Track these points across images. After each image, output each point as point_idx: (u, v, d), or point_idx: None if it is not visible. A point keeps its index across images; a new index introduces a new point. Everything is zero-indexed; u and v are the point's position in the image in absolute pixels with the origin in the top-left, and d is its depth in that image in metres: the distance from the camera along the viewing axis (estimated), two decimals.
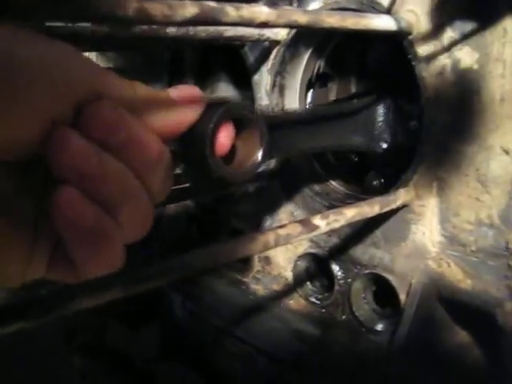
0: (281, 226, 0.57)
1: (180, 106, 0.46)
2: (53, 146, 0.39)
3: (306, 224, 0.59)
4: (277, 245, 0.56)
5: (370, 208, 0.67)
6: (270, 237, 0.55)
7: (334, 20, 0.57)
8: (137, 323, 1.20)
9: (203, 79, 1.14)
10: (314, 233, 0.60)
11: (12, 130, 0.37)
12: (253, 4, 0.52)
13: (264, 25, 0.52)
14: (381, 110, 0.84)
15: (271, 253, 0.93)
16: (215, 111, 0.48)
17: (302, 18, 0.54)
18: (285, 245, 0.57)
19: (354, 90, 0.93)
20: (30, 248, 0.43)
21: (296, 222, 0.58)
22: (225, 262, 0.52)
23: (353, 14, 0.61)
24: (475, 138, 0.65)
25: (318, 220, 0.60)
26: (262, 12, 0.51)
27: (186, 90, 0.47)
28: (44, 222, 0.43)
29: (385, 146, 0.83)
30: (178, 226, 1.12)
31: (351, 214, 0.64)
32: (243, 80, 1.06)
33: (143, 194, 0.44)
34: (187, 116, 0.46)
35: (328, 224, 0.61)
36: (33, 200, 0.43)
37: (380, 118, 0.83)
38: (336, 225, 0.62)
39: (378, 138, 0.83)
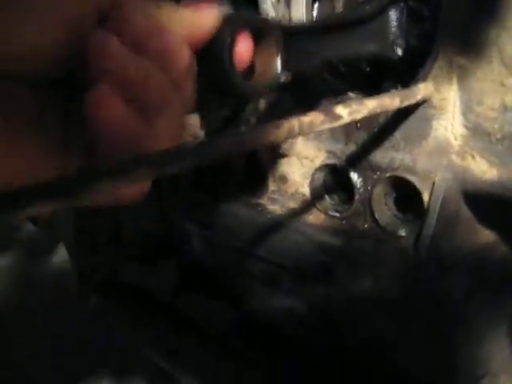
0: (304, 115, 0.55)
1: (199, 10, 0.45)
2: (91, 50, 0.38)
3: (329, 113, 0.57)
4: (300, 133, 0.54)
5: (391, 100, 0.65)
6: (294, 123, 0.53)
7: None
8: (152, 259, 1.20)
9: None
10: (337, 123, 0.58)
11: (35, 36, 0.35)
12: None
13: None
14: (393, 13, 0.80)
15: (286, 170, 0.91)
16: (232, 21, 0.47)
17: None
18: (308, 133, 0.55)
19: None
20: (62, 164, 0.42)
21: (318, 111, 0.56)
22: (251, 147, 0.50)
23: None
24: (498, 17, 0.63)
25: (340, 109, 0.58)
26: None
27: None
28: (73, 137, 0.42)
29: (400, 52, 0.80)
30: None
31: (372, 105, 0.62)
32: None
33: (179, 103, 0.44)
34: (208, 19, 0.45)
35: (350, 114, 0.59)
36: (59, 117, 0.42)
37: (393, 23, 0.80)
38: (358, 115, 0.60)
39: (393, 43, 0.80)
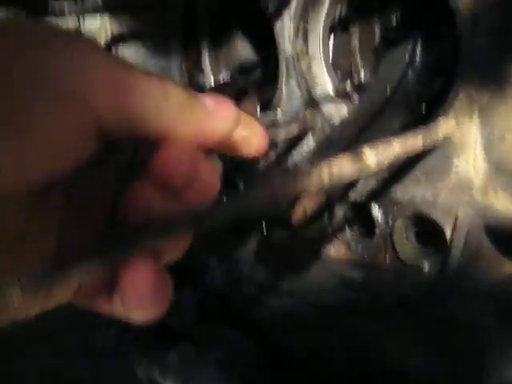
0: (331, 162, 0.55)
1: (215, 115, 0.42)
2: (128, 201, 0.40)
3: (356, 156, 0.58)
4: (330, 182, 0.55)
5: (414, 141, 0.66)
6: (325, 172, 0.54)
7: None
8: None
9: (219, 36, 1.12)
10: (365, 172, 0.58)
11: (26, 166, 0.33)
12: None
13: None
14: (412, 71, 0.82)
15: (307, 202, 0.92)
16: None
17: None
18: (336, 182, 0.56)
19: (377, 32, 0.91)
20: None
21: (346, 156, 0.57)
22: (280, 199, 0.51)
23: None
24: None
25: (368, 152, 0.58)
26: None
27: (220, 100, 0.43)
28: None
29: (424, 106, 0.82)
30: None
31: (398, 149, 0.62)
32: (260, 36, 1.05)
33: None
34: (222, 127, 0.43)
35: (378, 164, 0.59)
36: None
37: (415, 82, 0.82)
38: (386, 162, 0.60)
39: (418, 100, 0.82)
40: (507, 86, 0.65)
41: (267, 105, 0.95)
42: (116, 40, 1.06)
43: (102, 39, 1.06)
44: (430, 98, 0.82)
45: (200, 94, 0.42)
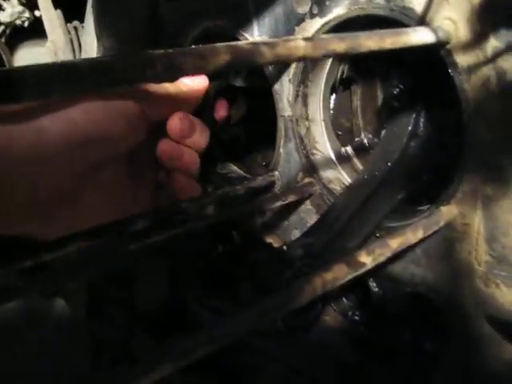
0: (325, 269, 0.53)
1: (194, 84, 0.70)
2: (161, 152, 0.67)
3: (352, 263, 0.55)
4: (324, 291, 0.52)
5: (414, 234, 0.63)
6: (317, 284, 0.51)
7: (372, 43, 0.53)
8: (164, 333, 1.18)
9: None
10: (361, 271, 0.56)
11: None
12: (286, 38, 0.47)
13: (301, 59, 0.48)
14: (414, 143, 0.79)
15: None
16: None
17: (339, 46, 0.50)
18: (332, 288, 0.53)
19: (379, 93, 0.89)
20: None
21: (340, 262, 0.55)
22: (274, 318, 0.48)
23: (390, 32, 0.56)
24: None
25: (364, 257, 0.56)
26: (299, 47, 0.46)
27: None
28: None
29: (425, 178, 0.80)
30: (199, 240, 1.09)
31: (396, 244, 0.60)
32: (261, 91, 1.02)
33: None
34: (199, 88, 0.70)
35: (374, 260, 0.57)
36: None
37: (416, 154, 0.79)
38: (382, 258, 0.58)
39: (418, 174, 0.80)
40: (510, 183, 0.62)
41: (266, 166, 0.93)
42: None
43: None
44: (435, 168, 0.80)
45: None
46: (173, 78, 0.40)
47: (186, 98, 0.66)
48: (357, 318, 0.85)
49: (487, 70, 0.62)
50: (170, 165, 0.64)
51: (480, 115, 0.64)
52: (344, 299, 0.87)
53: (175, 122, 0.64)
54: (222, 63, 0.42)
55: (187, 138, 0.66)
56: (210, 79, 0.74)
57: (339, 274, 0.53)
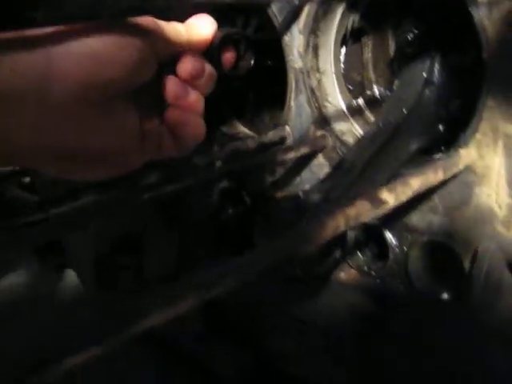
0: (348, 205, 0.52)
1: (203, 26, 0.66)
2: (168, 91, 0.64)
3: (374, 200, 0.54)
4: (346, 227, 0.51)
5: (435, 174, 0.62)
6: (340, 220, 0.50)
7: None
8: None
9: None
10: (383, 209, 0.54)
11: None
12: None
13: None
14: (429, 90, 0.77)
15: None
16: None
17: None
18: (354, 225, 0.52)
19: (391, 43, 0.87)
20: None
21: (362, 198, 0.53)
22: (295, 255, 0.47)
23: None
24: None
25: (385, 194, 0.55)
26: None
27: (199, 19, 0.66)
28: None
29: (442, 128, 0.78)
30: (211, 199, 1.07)
31: (417, 183, 0.58)
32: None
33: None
34: (208, 32, 0.66)
35: (396, 198, 0.55)
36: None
37: (432, 100, 0.77)
38: (403, 197, 0.57)
39: (434, 123, 0.78)
40: None
41: (275, 127, 0.91)
42: None
43: None
44: (450, 117, 0.78)
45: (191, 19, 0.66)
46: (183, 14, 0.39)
47: (195, 40, 0.64)
48: (373, 272, 0.84)
49: (508, 4, 0.60)
50: (175, 103, 0.63)
51: (502, 50, 0.62)
52: (359, 254, 0.86)
53: (187, 64, 0.63)
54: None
55: (196, 80, 0.64)
56: (219, 25, 0.72)
57: (362, 210, 0.52)
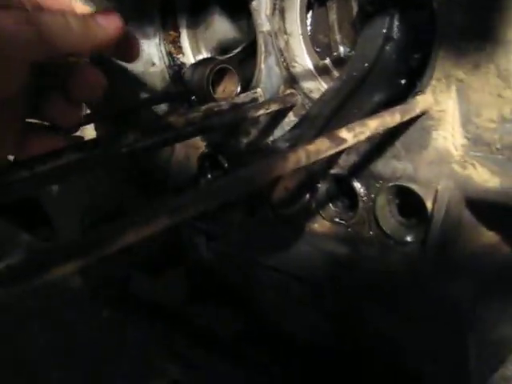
0: (309, 142, 0.56)
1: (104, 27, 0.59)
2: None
3: (334, 138, 0.58)
4: (307, 162, 0.55)
5: (391, 117, 0.66)
6: (301, 154, 0.54)
7: None
8: (160, 269, 1.22)
9: (196, 16, 1.12)
10: (343, 146, 0.59)
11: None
12: None
13: None
14: (389, 46, 0.82)
15: None
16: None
17: None
18: (315, 160, 0.56)
19: (354, 5, 0.91)
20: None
21: (322, 136, 0.58)
22: (259, 183, 0.51)
23: None
24: (494, 34, 0.64)
25: (344, 133, 0.59)
26: None
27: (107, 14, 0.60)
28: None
29: (404, 81, 0.82)
30: (189, 167, 1.11)
31: (374, 124, 0.63)
32: (237, 11, 1.04)
33: None
34: (110, 33, 0.59)
35: (355, 136, 0.60)
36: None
37: (392, 55, 0.82)
38: (362, 137, 0.61)
39: (396, 77, 0.82)
40: (482, 63, 0.66)
41: (248, 84, 0.95)
42: None
43: None
44: (410, 72, 0.83)
45: (94, 14, 0.59)
46: None
47: (94, 41, 0.57)
48: (344, 222, 0.89)
49: None
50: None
51: (449, 1, 0.66)
52: (331, 206, 0.91)
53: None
54: None
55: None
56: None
57: (322, 146, 0.57)
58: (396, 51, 0.82)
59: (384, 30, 0.82)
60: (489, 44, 0.65)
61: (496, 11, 0.63)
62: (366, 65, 0.80)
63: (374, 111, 0.80)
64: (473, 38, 0.66)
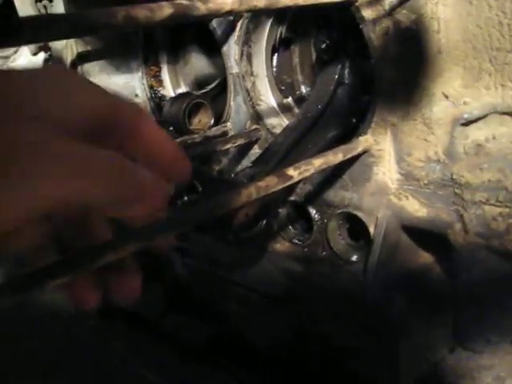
0: (259, 180, 0.68)
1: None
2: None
3: (281, 175, 0.70)
4: (258, 196, 0.67)
5: (334, 156, 0.78)
6: (252, 190, 0.66)
7: (287, 0, 0.67)
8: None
9: (176, 52, 1.24)
10: (289, 182, 0.71)
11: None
12: None
13: (229, 13, 0.62)
14: (341, 89, 0.95)
15: None
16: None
17: (260, 3, 0.64)
18: (264, 194, 0.68)
19: (313, 51, 1.03)
20: None
21: (272, 174, 0.69)
22: (219, 213, 0.63)
23: None
24: (419, 87, 0.76)
25: (291, 171, 0.71)
26: (227, 3, 0.61)
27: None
28: None
29: (354, 120, 0.94)
30: None
31: (319, 163, 0.75)
32: (213, 49, 1.16)
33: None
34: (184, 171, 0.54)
35: (300, 174, 0.72)
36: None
37: (344, 97, 0.95)
38: (306, 174, 0.73)
39: (348, 116, 0.95)
40: (410, 112, 0.78)
41: (220, 116, 1.07)
42: (81, 58, 1.17)
43: (68, 58, 1.16)
44: (360, 111, 0.95)
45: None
46: (129, 27, 0.53)
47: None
48: (301, 242, 1.00)
49: (387, 22, 0.77)
50: None
51: (384, 59, 0.79)
52: (290, 228, 1.02)
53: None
54: (167, 15, 0.56)
55: None
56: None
57: (271, 183, 0.68)
58: (347, 94, 0.95)
59: (336, 76, 0.94)
60: (415, 96, 0.77)
61: (420, 67, 0.76)
62: (320, 106, 0.92)
63: (328, 146, 0.92)
64: (402, 90, 0.78)
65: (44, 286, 0.46)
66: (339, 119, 0.95)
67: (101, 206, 0.43)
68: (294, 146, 0.89)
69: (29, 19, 0.46)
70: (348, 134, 0.95)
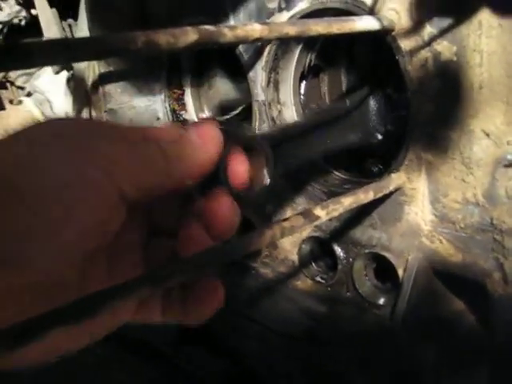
0: (285, 219, 0.63)
1: (202, 147, 0.49)
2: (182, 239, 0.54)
3: (308, 215, 0.65)
4: (282, 237, 0.62)
5: (365, 195, 0.73)
6: (276, 230, 0.61)
7: (320, 28, 0.63)
8: None
9: (200, 76, 1.20)
10: (316, 222, 0.66)
11: None
12: (244, 23, 0.57)
13: (258, 40, 0.57)
14: (372, 103, 0.90)
15: None
16: (227, 143, 0.52)
17: (291, 30, 0.60)
18: (290, 235, 0.63)
19: (344, 79, 0.99)
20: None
21: (298, 214, 0.64)
22: (237, 257, 0.58)
23: (337, 20, 0.66)
24: (458, 123, 0.71)
25: (318, 211, 0.66)
26: (255, 29, 0.56)
27: (203, 129, 0.49)
28: None
29: (380, 137, 0.90)
30: None
31: (348, 202, 0.70)
32: (239, 74, 1.12)
33: None
34: (210, 156, 0.49)
35: (328, 214, 0.66)
36: None
37: (373, 112, 0.90)
38: (335, 213, 0.68)
39: (373, 130, 0.90)
40: (448, 150, 0.72)
41: None
42: (103, 78, 1.13)
43: (90, 78, 1.13)
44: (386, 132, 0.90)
45: (185, 133, 0.49)
46: (150, 53, 0.49)
47: (185, 171, 0.48)
48: (324, 281, 0.95)
49: (425, 53, 0.72)
50: None
51: (421, 92, 0.74)
52: (313, 265, 0.97)
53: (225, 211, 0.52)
54: (192, 42, 0.52)
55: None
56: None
57: (296, 223, 0.63)
58: (377, 107, 0.90)
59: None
60: (454, 132, 0.72)
61: (458, 102, 0.71)
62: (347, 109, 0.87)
63: (344, 147, 0.86)
64: (440, 126, 0.73)
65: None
66: (364, 128, 0.89)
67: None
68: (311, 131, 0.81)
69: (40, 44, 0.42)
70: (367, 148, 0.90)
